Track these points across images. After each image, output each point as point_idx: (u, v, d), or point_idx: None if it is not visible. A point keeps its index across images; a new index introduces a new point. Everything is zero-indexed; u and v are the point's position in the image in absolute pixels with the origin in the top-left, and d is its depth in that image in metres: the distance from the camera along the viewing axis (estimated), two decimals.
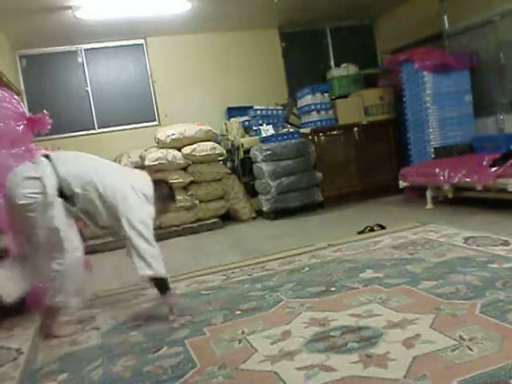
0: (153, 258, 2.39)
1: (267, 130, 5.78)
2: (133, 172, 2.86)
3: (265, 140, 5.58)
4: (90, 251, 4.38)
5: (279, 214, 5.37)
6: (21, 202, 2.36)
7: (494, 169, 3.88)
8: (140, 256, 2.38)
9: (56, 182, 2.40)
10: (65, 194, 2.42)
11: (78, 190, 2.43)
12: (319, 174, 5.55)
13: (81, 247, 2.50)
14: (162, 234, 5.09)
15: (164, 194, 2.70)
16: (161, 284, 2.47)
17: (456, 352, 1.71)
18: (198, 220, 5.44)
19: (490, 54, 5.28)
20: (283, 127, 6.04)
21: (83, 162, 2.59)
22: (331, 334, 2.03)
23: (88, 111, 6.46)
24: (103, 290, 3.32)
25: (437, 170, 4.44)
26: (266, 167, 5.29)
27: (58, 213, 2.40)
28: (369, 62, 7.13)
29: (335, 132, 5.89)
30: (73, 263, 2.44)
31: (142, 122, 6.62)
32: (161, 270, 2.42)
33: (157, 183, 2.68)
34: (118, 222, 2.46)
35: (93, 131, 6.46)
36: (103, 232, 2.76)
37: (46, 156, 2.50)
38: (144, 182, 2.59)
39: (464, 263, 2.73)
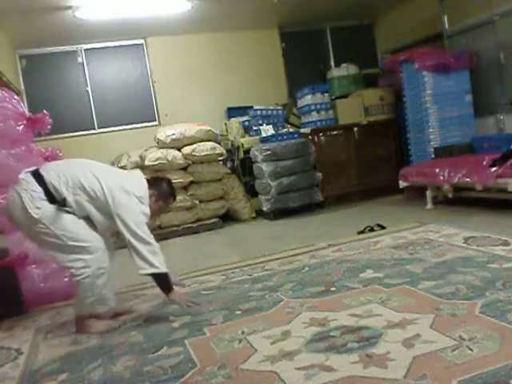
0: (152, 255, 2.39)
1: (267, 130, 5.78)
2: (124, 173, 2.82)
3: (265, 140, 5.58)
4: None
5: (279, 214, 5.37)
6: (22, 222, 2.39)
7: (493, 169, 3.88)
8: (139, 255, 2.38)
9: (41, 190, 2.37)
10: (57, 201, 2.39)
11: (67, 196, 2.39)
12: (319, 174, 5.55)
13: (100, 249, 2.45)
14: (162, 233, 5.10)
15: (163, 191, 2.67)
16: (162, 280, 2.45)
17: (456, 352, 1.71)
18: (198, 220, 5.44)
19: (490, 54, 5.29)
20: (283, 127, 6.04)
21: (71, 166, 2.54)
22: (331, 333, 2.03)
23: (88, 111, 6.46)
24: None
25: (437, 170, 4.44)
26: (266, 167, 5.29)
27: (68, 220, 2.39)
28: (369, 62, 7.12)
29: (335, 132, 5.89)
30: (94, 272, 2.40)
31: (142, 122, 6.62)
32: (161, 266, 2.40)
33: (155, 180, 2.67)
34: (114, 224, 2.45)
35: (93, 131, 6.47)
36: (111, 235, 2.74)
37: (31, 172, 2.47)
38: (136, 182, 2.56)
39: (464, 263, 2.73)
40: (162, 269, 2.41)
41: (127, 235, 2.38)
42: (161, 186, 2.67)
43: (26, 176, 2.43)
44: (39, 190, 2.37)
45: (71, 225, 2.39)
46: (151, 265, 2.38)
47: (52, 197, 2.38)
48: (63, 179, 2.40)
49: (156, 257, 2.40)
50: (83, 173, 2.46)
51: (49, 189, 2.38)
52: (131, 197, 2.45)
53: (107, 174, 2.55)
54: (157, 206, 2.63)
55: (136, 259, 2.39)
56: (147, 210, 2.49)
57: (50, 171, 2.44)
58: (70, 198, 2.40)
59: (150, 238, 2.42)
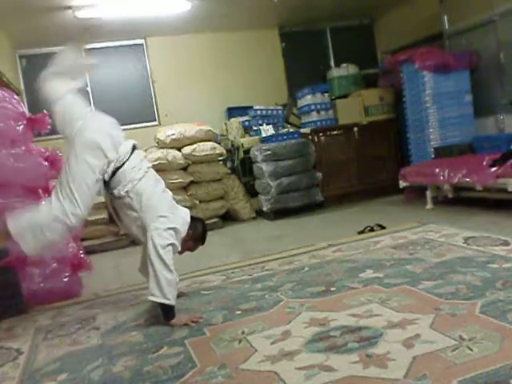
0: (168, 286, 2.38)
1: (267, 130, 5.78)
2: (174, 203, 2.79)
3: (265, 140, 5.58)
4: (90, 251, 4.40)
5: (279, 214, 5.37)
6: (89, 136, 2.44)
7: (493, 169, 3.88)
8: (157, 282, 2.38)
9: (121, 162, 2.48)
10: (109, 182, 2.48)
11: (122, 191, 2.48)
12: (319, 174, 5.55)
13: (79, 220, 2.48)
14: None
15: (197, 232, 2.72)
16: (167, 311, 2.45)
17: (456, 352, 1.71)
18: None
19: (490, 54, 5.29)
20: (283, 127, 6.04)
21: (149, 172, 2.63)
22: (331, 334, 2.03)
23: None
24: (103, 289, 3.32)
25: (437, 170, 4.44)
26: (266, 167, 5.29)
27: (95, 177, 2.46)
28: (369, 61, 7.12)
29: (335, 132, 5.89)
30: (61, 221, 2.42)
31: (142, 122, 6.62)
32: (172, 299, 2.41)
33: (193, 220, 2.68)
34: (143, 237, 2.52)
35: None
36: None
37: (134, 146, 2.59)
38: (182, 216, 2.61)
39: (464, 263, 2.73)
40: (172, 302, 2.42)
41: (154, 258, 2.39)
42: (196, 227, 2.71)
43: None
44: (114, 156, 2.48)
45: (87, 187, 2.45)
46: (164, 296, 2.38)
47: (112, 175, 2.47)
48: (134, 177, 2.50)
49: (171, 288, 2.40)
50: (150, 187, 2.55)
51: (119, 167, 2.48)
52: (172, 228, 2.48)
53: (165, 196, 2.62)
54: (186, 245, 2.65)
55: (152, 283, 2.40)
56: (178, 247, 2.52)
57: (137, 159, 2.55)
58: (119, 193, 2.49)
59: (173, 267, 2.43)
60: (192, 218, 2.68)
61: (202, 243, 2.81)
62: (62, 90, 2.63)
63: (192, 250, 2.78)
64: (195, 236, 2.70)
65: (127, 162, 2.50)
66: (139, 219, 2.52)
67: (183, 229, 2.56)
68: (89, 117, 2.59)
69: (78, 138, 2.48)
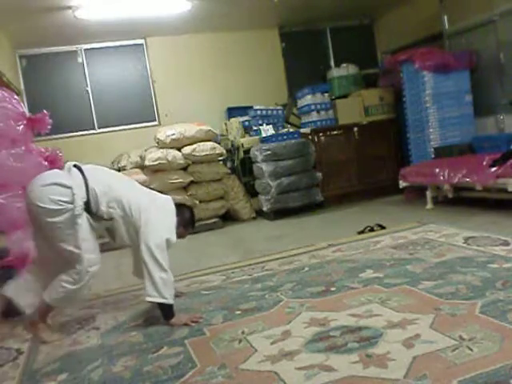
0: (164, 285, 2.39)
1: (267, 130, 5.78)
2: (155, 194, 2.78)
3: (265, 140, 5.58)
4: None
5: (279, 214, 5.37)
6: (43, 206, 2.32)
7: (493, 169, 3.88)
8: (152, 282, 2.38)
9: (85, 195, 2.42)
10: (90, 210, 2.44)
11: (103, 207, 2.46)
12: (319, 174, 5.55)
13: (98, 262, 2.52)
14: None
15: (185, 218, 2.72)
16: (166, 310, 2.45)
17: (456, 352, 1.71)
18: (198, 220, 5.43)
19: (490, 54, 5.29)
20: (283, 127, 6.04)
21: (111, 178, 2.61)
22: (331, 333, 2.03)
23: (88, 111, 6.46)
24: (103, 289, 3.32)
25: (437, 170, 4.44)
26: (266, 167, 5.29)
27: (84, 228, 2.42)
28: (369, 62, 7.12)
29: (335, 132, 5.88)
30: (86, 282, 2.45)
31: (142, 122, 6.63)
32: (169, 298, 2.41)
33: (179, 207, 2.68)
34: (136, 241, 2.50)
35: (93, 131, 6.47)
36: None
37: (76, 166, 2.51)
38: (168, 207, 2.61)
39: (464, 263, 2.73)
40: (170, 300, 2.41)
41: (147, 259, 2.39)
42: (184, 213, 2.70)
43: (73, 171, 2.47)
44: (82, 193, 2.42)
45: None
46: (161, 295, 2.38)
47: (88, 203, 2.43)
48: (103, 190, 2.46)
49: (167, 287, 2.40)
50: (122, 186, 2.55)
51: (89, 195, 2.43)
52: (163, 222, 2.49)
53: (143, 193, 2.63)
54: (177, 232, 2.63)
55: (147, 284, 2.40)
56: (173, 238, 2.51)
57: (94, 176, 2.49)
58: (103, 211, 2.46)
59: (167, 265, 2.42)
60: (176, 204, 2.68)
61: (193, 228, 2.83)
62: None
63: (183, 236, 2.78)
64: (184, 222, 2.69)
65: (89, 186, 2.44)
66: (129, 224, 2.51)
67: (171, 218, 2.56)
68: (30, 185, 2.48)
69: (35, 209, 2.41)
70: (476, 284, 2.37)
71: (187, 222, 2.74)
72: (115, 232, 2.57)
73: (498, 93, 5.26)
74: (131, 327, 2.51)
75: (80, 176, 2.45)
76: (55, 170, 2.57)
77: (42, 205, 2.33)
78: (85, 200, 2.41)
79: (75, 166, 2.51)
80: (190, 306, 2.71)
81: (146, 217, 2.47)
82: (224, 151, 5.65)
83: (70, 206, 2.35)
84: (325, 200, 5.61)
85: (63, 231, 2.37)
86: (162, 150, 5.34)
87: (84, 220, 2.42)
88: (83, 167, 2.53)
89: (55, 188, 2.36)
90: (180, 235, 2.70)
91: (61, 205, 2.33)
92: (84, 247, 2.41)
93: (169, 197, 2.72)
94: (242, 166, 5.96)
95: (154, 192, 2.74)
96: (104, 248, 4.88)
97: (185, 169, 5.44)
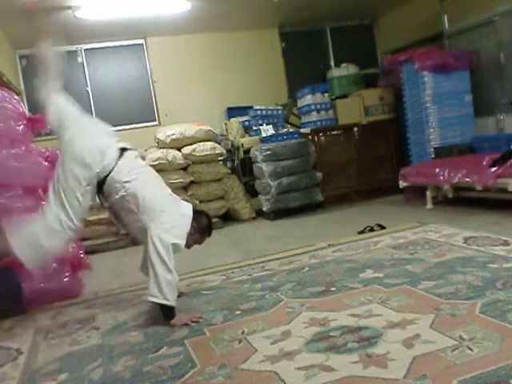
0: (168, 286, 2.39)
1: (267, 130, 5.78)
2: (175, 197, 2.79)
3: (265, 140, 5.58)
4: (90, 251, 4.40)
5: (279, 214, 5.37)
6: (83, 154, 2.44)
7: (493, 169, 3.88)
8: (157, 282, 2.38)
9: (108, 170, 2.48)
10: (102, 191, 2.51)
11: (116, 196, 2.50)
12: (319, 174, 5.55)
13: (73, 231, 2.51)
14: None
15: (202, 225, 2.70)
16: (167, 311, 2.44)
17: (456, 352, 1.71)
18: None
19: (490, 53, 5.28)
20: (283, 127, 6.04)
21: (142, 173, 2.62)
22: (331, 334, 2.03)
23: (88, 111, 6.36)
24: (103, 289, 3.32)
25: (437, 170, 4.44)
26: (266, 167, 5.29)
27: (80, 204, 2.46)
28: (369, 61, 7.13)
29: (335, 132, 5.89)
30: (52, 230, 2.44)
31: (142, 122, 6.63)
32: (172, 300, 2.41)
33: (197, 214, 2.67)
34: (143, 237, 2.51)
35: None
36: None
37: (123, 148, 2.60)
38: (185, 212, 2.61)
39: (464, 263, 2.73)
40: (172, 303, 2.42)
41: (154, 258, 2.39)
42: (200, 220, 2.69)
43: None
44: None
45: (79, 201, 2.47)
46: (164, 297, 2.38)
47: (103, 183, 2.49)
48: (124, 183, 2.50)
49: (171, 290, 2.40)
50: (146, 187, 2.56)
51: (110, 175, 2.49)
52: (175, 226, 2.49)
53: (165, 194, 2.65)
54: (192, 239, 2.63)
55: (152, 283, 2.40)
56: (182, 244, 2.50)
57: (127, 163, 2.55)
58: (114, 198, 2.52)
59: (173, 266, 2.42)
60: (195, 211, 2.67)
61: (209, 235, 2.80)
62: (53, 94, 2.70)
63: (200, 242, 2.77)
64: (200, 229, 2.69)
65: (116, 168, 2.50)
66: (139, 221, 2.52)
67: (185, 224, 2.55)
68: (79, 127, 2.62)
69: (67, 150, 2.50)
70: (476, 284, 2.36)
71: (204, 229, 2.73)
72: (123, 221, 2.63)
73: (497, 93, 5.26)
74: (131, 327, 2.51)
75: (113, 162, 2.50)
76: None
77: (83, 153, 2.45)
78: (105, 174, 2.48)
79: (123, 148, 2.60)
80: (190, 306, 2.71)
81: (159, 218, 2.47)
82: (224, 151, 5.65)
83: (94, 180, 2.47)
84: (325, 200, 5.61)
85: (67, 181, 2.43)
86: (161, 150, 5.34)
87: (86, 199, 2.49)
88: (126, 154, 2.58)
89: (97, 155, 2.47)
90: (196, 241, 2.71)
91: (90, 168, 2.44)
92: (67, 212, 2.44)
93: (190, 204, 2.72)
94: (242, 166, 5.96)
95: (175, 196, 2.73)
96: (104, 248, 4.93)
97: (185, 169, 5.44)
